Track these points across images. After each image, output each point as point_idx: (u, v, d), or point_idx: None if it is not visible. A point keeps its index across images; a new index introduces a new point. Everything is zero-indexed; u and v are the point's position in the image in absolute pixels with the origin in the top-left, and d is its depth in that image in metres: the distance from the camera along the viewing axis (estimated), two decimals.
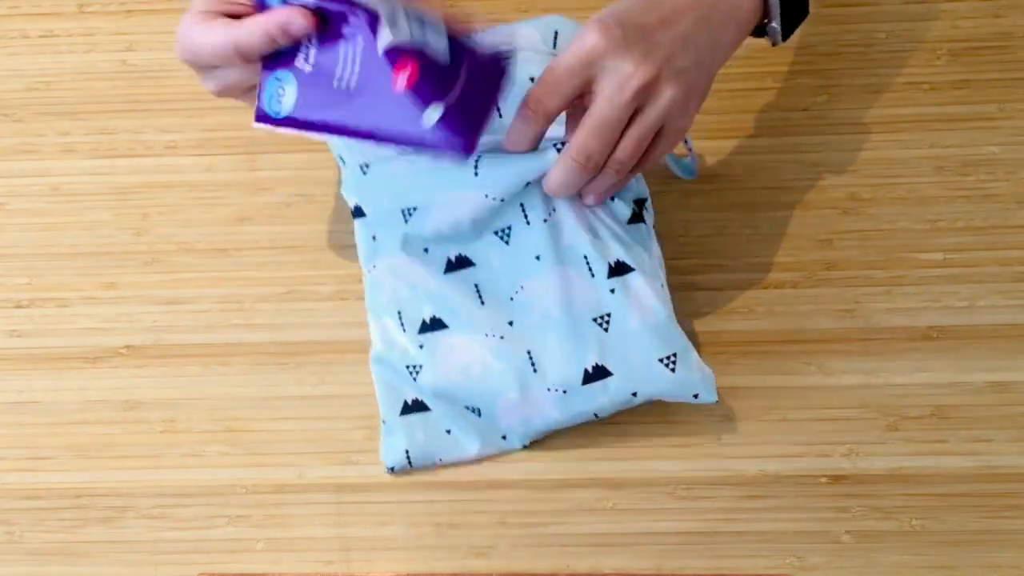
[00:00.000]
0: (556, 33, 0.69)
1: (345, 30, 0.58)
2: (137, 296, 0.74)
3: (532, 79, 0.65)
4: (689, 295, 0.72)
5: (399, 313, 0.68)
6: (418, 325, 0.67)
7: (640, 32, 0.59)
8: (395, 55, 0.58)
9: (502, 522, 0.68)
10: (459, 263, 0.67)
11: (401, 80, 0.58)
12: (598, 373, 0.65)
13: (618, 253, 0.65)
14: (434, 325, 0.67)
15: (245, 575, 0.67)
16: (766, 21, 0.64)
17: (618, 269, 0.65)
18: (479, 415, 0.67)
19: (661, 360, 0.65)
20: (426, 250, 0.68)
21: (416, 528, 0.68)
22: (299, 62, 0.59)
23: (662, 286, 0.67)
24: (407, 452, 0.67)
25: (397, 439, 0.68)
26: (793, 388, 0.70)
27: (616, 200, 0.67)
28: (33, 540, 0.69)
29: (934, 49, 0.77)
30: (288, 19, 0.58)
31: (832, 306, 0.71)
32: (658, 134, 0.62)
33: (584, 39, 0.59)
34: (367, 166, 0.66)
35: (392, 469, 0.68)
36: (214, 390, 0.72)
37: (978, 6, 0.78)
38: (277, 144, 0.77)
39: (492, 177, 0.63)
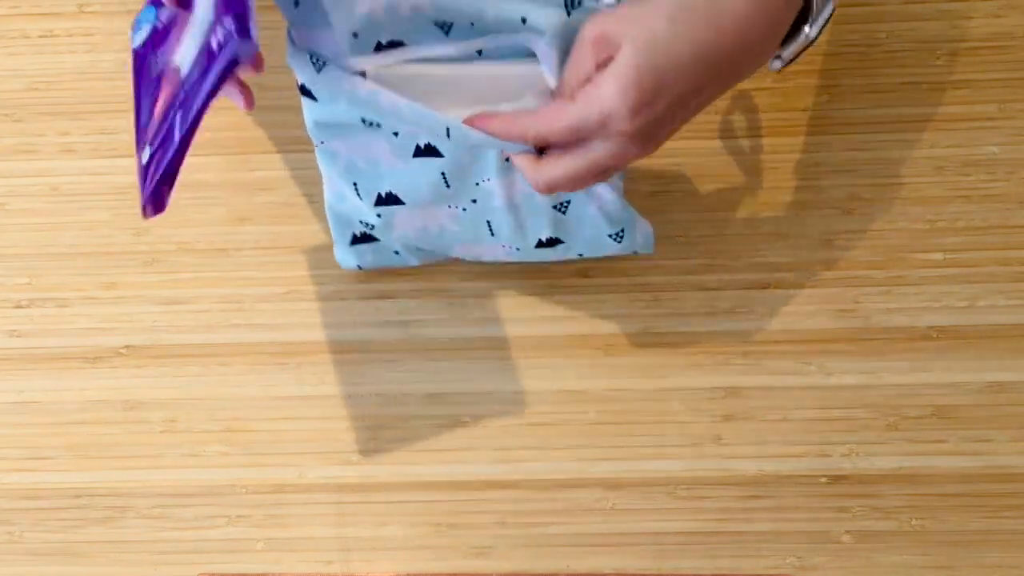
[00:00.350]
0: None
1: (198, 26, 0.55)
2: (137, 296, 0.74)
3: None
4: (689, 295, 0.72)
5: (355, 184, 0.67)
6: (374, 198, 0.67)
7: (669, 109, 0.55)
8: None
9: (502, 522, 0.68)
10: (427, 151, 0.65)
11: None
12: (550, 242, 0.69)
13: None
14: (390, 200, 0.67)
15: (245, 575, 0.67)
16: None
17: None
18: (431, 256, 0.72)
19: (610, 236, 0.69)
20: (396, 134, 0.65)
21: (416, 528, 0.68)
22: (162, 13, 0.57)
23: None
24: (358, 266, 0.73)
25: (348, 257, 0.72)
26: (793, 388, 0.70)
27: None
28: (33, 540, 0.69)
29: (934, 49, 0.77)
30: None
31: (832, 306, 0.71)
32: None
33: (610, 109, 0.55)
34: (322, 63, 0.61)
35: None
36: (214, 390, 0.72)
37: (978, 6, 0.78)
38: (275, 144, 0.77)
39: (465, 146, 0.62)
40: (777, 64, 0.62)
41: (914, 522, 0.66)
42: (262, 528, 0.68)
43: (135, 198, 0.77)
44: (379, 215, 0.68)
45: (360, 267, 0.73)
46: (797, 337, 0.71)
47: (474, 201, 0.67)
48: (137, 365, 0.72)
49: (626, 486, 0.68)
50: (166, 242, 0.75)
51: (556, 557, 0.67)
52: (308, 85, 0.62)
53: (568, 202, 0.67)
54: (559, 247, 0.69)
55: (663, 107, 0.55)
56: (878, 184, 0.74)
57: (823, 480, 0.68)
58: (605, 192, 0.67)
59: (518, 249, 0.70)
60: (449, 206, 0.67)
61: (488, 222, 0.68)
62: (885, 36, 0.78)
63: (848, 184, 0.74)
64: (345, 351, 0.72)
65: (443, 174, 0.66)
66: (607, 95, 0.55)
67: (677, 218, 0.74)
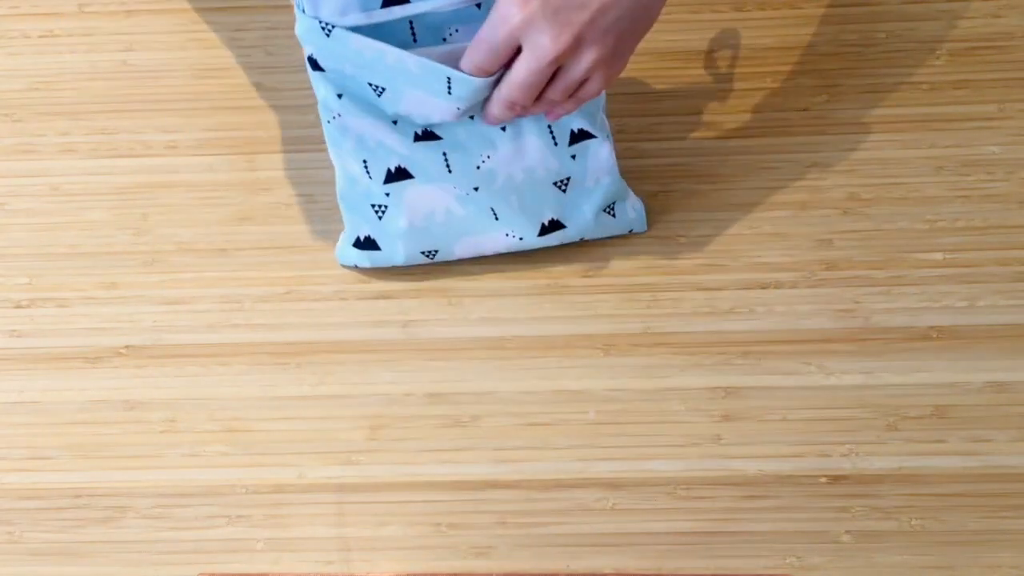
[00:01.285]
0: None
1: None
2: (137, 296, 0.74)
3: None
4: (689, 295, 0.72)
5: (364, 161, 0.69)
6: (384, 175, 0.69)
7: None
8: None
9: (502, 522, 0.68)
10: (426, 135, 0.68)
11: None
12: (553, 226, 0.71)
13: (579, 123, 0.69)
14: (400, 175, 0.69)
15: (245, 575, 0.67)
16: None
17: (580, 136, 0.69)
18: (433, 256, 0.72)
19: (605, 210, 0.72)
20: (395, 122, 0.68)
21: (416, 528, 0.68)
22: None
23: (607, 137, 0.70)
24: (356, 266, 0.74)
25: (349, 255, 0.73)
26: (793, 388, 0.70)
27: None
28: (33, 540, 0.69)
29: (934, 49, 0.77)
30: None
31: (832, 306, 0.71)
32: (589, 78, 0.63)
33: (503, 12, 0.60)
34: (330, 27, 0.63)
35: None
36: (214, 390, 0.72)
37: (978, 6, 0.78)
38: (277, 144, 0.77)
39: (465, 97, 0.64)
40: None
41: (914, 522, 0.66)
42: (262, 528, 0.68)
43: (135, 198, 0.77)
44: (388, 193, 0.69)
45: (357, 268, 0.73)
46: (797, 337, 0.71)
47: (476, 189, 0.69)
48: (137, 365, 0.72)
49: (626, 486, 0.68)
50: (166, 242, 0.75)
51: (556, 557, 0.67)
52: (315, 55, 0.64)
53: (568, 178, 0.70)
54: (561, 232, 0.71)
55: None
56: (878, 184, 0.74)
57: (823, 480, 0.68)
58: (604, 159, 0.70)
59: (521, 239, 0.71)
60: (454, 187, 0.69)
61: (492, 208, 0.70)
62: (884, 36, 0.78)
63: (848, 184, 0.74)
64: (345, 351, 0.72)
65: (444, 155, 0.68)
66: (498, 7, 0.60)
67: (677, 218, 0.74)
